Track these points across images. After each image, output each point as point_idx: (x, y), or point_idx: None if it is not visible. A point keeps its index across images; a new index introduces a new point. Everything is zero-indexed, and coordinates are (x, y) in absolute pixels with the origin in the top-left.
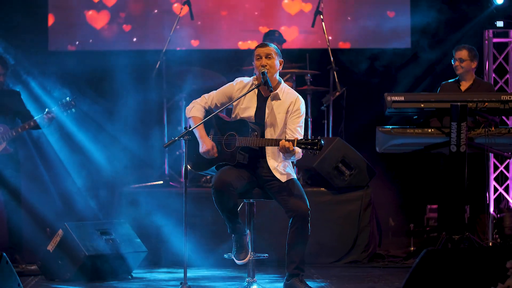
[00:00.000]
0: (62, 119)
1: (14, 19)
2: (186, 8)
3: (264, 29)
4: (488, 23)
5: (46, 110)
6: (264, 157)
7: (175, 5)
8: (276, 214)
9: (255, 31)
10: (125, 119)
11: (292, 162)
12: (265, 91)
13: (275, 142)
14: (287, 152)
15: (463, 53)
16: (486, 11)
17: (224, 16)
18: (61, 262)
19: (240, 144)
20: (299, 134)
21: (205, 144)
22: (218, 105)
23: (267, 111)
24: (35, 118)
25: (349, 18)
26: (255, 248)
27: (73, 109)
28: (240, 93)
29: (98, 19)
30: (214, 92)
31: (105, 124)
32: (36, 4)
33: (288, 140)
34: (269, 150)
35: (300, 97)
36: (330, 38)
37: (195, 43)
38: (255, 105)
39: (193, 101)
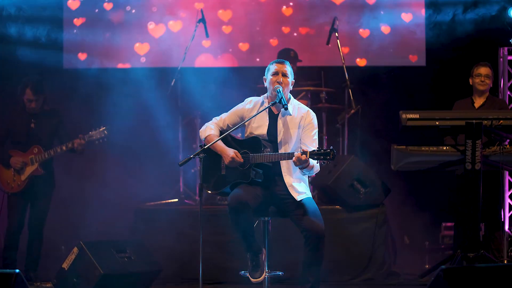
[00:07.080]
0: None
1: None
2: (200, 26)
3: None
4: (503, 40)
5: (80, 135)
6: (280, 174)
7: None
8: (292, 232)
9: (268, 48)
10: (140, 136)
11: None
12: (276, 108)
13: (288, 156)
14: (302, 165)
15: (487, 70)
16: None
17: (236, 33)
18: (76, 280)
19: (253, 161)
20: (314, 147)
21: (228, 153)
22: (231, 126)
23: (279, 127)
24: (69, 142)
25: (364, 35)
26: (270, 265)
27: (105, 139)
28: (251, 112)
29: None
30: (225, 114)
31: (120, 141)
32: None
33: (302, 152)
34: (284, 166)
35: (310, 110)
36: (345, 55)
37: (209, 61)
38: (267, 123)
39: (205, 124)
